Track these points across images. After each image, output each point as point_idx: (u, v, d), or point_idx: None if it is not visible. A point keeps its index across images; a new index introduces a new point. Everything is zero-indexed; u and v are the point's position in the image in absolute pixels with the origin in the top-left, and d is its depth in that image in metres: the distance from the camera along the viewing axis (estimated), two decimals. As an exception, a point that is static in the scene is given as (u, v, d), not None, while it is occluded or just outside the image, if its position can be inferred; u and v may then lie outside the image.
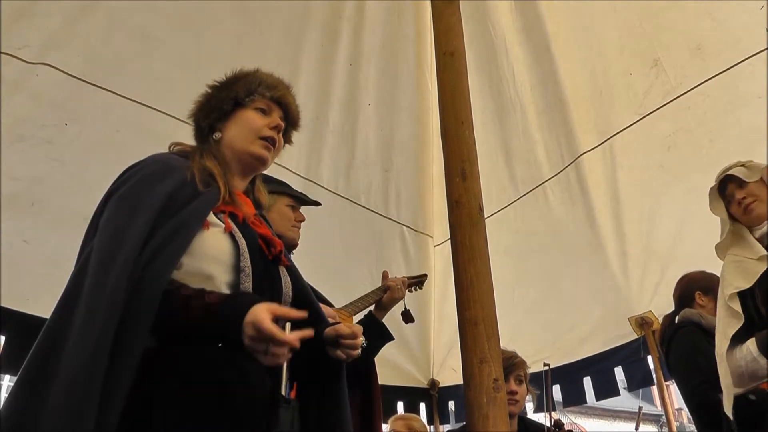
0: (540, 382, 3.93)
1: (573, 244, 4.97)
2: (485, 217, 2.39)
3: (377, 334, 3.22)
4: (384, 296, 3.34)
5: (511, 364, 3.58)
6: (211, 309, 1.62)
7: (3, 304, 3.38)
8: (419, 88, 4.97)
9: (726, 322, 2.85)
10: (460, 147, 2.47)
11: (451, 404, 6.11)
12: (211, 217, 1.81)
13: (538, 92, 4.62)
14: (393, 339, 3.35)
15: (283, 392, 1.73)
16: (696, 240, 4.21)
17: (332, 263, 4.80)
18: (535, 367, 4.12)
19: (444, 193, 2.46)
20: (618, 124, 4.43)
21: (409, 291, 3.61)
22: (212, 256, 1.74)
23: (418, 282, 3.74)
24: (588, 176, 4.68)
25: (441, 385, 6.07)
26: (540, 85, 4.59)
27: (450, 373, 5.90)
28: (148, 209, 1.71)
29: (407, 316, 3.63)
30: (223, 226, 1.81)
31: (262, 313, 1.58)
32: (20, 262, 3.39)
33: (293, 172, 4.36)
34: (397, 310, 3.49)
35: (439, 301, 5.50)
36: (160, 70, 3.68)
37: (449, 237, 2.39)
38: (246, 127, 2.08)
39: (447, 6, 2.82)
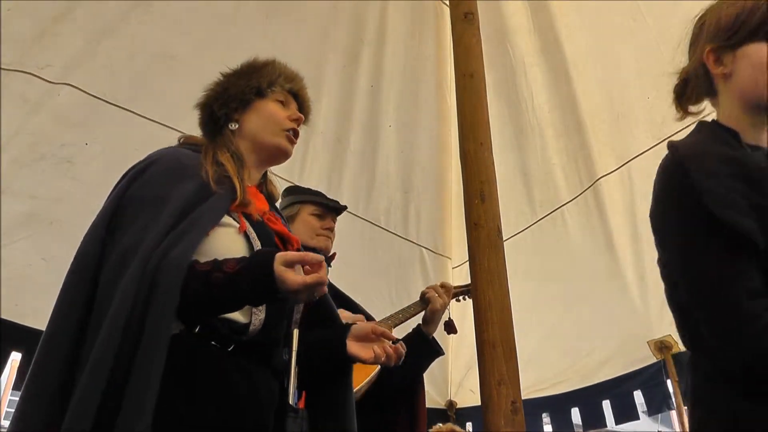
0: (560, 405, 3.82)
1: (591, 268, 4.93)
2: (504, 239, 2.38)
3: (423, 351, 3.14)
4: (427, 309, 3.24)
5: None
6: (234, 278, 1.56)
7: (22, 322, 3.39)
8: (439, 109, 4.98)
9: None
10: (479, 168, 2.46)
11: (469, 425, 6.02)
12: (225, 218, 1.76)
13: (557, 115, 4.61)
14: (442, 354, 3.25)
15: (291, 401, 1.70)
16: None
17: (351, 285, 4.75)
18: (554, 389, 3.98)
19: (463, 215, 2.45)
20: (636, 148, 4.39)
21: (456, 300, 3.57)
22: (225, 257, 1.64)
23: (467, 291, 3.53)
24: (606, 200, 4.64)
25: (459, 406, 6.00)
26: (558, 108, 4.58)
27: (468, 394, 5.84)
28: (169, 214, 1.67)
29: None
30: (238, 226, 1.77)
31: (283, 272, 1.53)
32: (39, 280, 3.40)
33: (313, 193, 4.38)
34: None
35: (458, 323, 5.44)
36: (181, 91, 3.68)
37: (468, 259, 2.38)
38: (270, 118, 2.06)
39: (467, 28, 2.83)
